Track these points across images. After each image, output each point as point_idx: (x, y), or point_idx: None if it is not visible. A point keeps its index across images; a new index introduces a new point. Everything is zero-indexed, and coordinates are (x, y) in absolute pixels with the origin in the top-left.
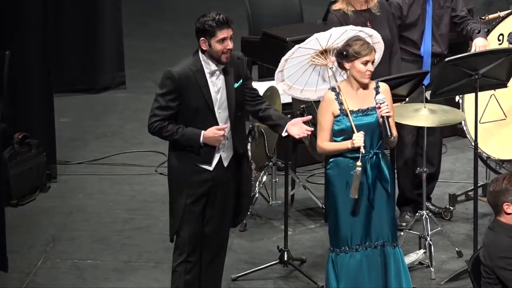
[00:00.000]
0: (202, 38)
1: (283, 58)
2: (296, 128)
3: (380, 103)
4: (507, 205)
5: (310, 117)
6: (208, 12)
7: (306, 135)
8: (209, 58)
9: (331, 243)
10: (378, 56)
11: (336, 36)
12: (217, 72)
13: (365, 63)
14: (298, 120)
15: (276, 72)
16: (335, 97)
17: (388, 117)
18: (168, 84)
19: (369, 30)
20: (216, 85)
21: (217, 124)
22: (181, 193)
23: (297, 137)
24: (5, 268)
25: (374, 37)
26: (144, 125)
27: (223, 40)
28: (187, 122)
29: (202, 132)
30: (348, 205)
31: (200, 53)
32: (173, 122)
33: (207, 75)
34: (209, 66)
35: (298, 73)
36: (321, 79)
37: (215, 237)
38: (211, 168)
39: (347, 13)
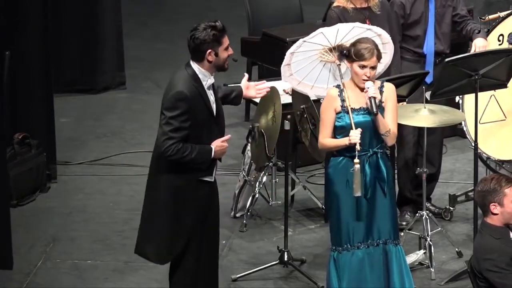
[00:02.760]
0: (209, 50)
1: (289, 51)
2: (251, 90)
3: (367, 87)
4: (494, 205)
5: (246, 76)
6: (198, 24)
7: (264, 93)
8: (211, 69)
9: (332, 242)
10: (388, 57)
11: (344, 32)
12: (212, 84)
13: (362, 67)
14: (247, 83)
15: (282, 65)
16: (338, 93)
17: (374, 98)
18: (182, 105)
19: (377, 29)
20: (212, 96)
21: (222, 136)
22: (187, 212)
23: (257, 97)
24: (10, 266)
25: (383, 37)
26: (143, 125)
27: (228, 46)
28: (195, 137)
29: (213, 147)
30: (349, 203)
31: (196, 67)
32: (185, 142)
33: (205, 88)
34: (206, 79)
35: (307, 69)
36: (332, 77)
37: (212, 243)
38: (212, 179)
39: (347, 9)
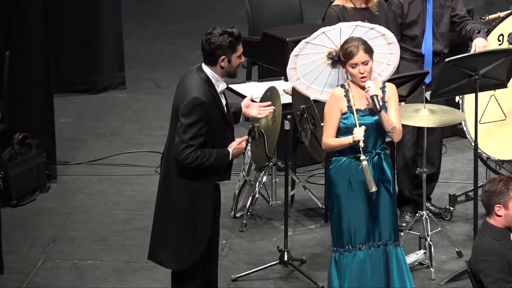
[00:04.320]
0: (223, 56)
1: (292, 54)
2: (253, 109)
3: (368, 86)
4: (499, 206)
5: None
6: (214, 28)
7: (267, 113)
8: (222, 75)
9: (334, 243)
10: (395, 58)
11: (347, 32)
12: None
13: (354, 65)
14: (249, 102)
15: (287, 69)
16: (344, 94)
17: (376, 96)
18: (199, 111)
19: (381, 29)
20: (224, 100)
21: (233, 137)
22: (206, 215)
23: (259, 117)
24: (1, 271)
25: (387, 37)
26: (144, 125)
27: (241, 54)
28: (210, 141)
29: (230, 150)
30: (350, 204)
31: (209, 71)
32: (202, 147)
33: (218, 93)
34: (218, 83)
35: (315, 72)
36: (342, 79)
37: (216, 244)
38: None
39: (346, 8)
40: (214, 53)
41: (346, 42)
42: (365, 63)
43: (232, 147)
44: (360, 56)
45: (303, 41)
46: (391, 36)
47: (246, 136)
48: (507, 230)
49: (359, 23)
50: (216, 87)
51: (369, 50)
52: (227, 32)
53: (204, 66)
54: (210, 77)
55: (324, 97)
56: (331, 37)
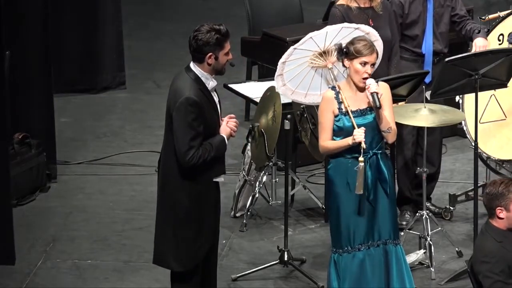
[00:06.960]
0: (210, 53)
1: (280, 61)
2: (224, 129)
3: (369, 84)
4: (500, 209)
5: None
6: (202, 25)
7: (234, 130)
8: (210, 71)
9: (333, 244)
10: (378, 54)
11: (333, 35)
12: (215, 86)
13: (364, 63)
14: (223, 122)
15: (275, 76)
16: (335, 96)
17: (377, 93)
18: (194, 111)
19: (366, 28)
20: (216, 97)
21: None
22: (208, 215)
23: (230, 137)
24: (12, 262)
25: (371, 35)
26: (143, 125)
27: (228, 51)
28: (207, 138)
29: (222, 134)
30: (349, 204)
31: (197, 70)
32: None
33: (209, 90)
34: (208, 81)
35: (300, 77)
36: (325, 82)
37: (216, 243)
38: (222, 179)
39: (351, 8)
40: (201, 50)
41: (359, 39)
42: (373, 65)
43: (222, 132)
44: (374, 57)
45: (291, 47)
46: (374, 34)
47: (230, 116)
48: (510, 232)
49: (345, 24)
50: (207, 85)
51: (378, 54)
52: (214, 29)
53: (192, 65)
54: (199, 75)
55: (308, 100)
56: (317, 41)
